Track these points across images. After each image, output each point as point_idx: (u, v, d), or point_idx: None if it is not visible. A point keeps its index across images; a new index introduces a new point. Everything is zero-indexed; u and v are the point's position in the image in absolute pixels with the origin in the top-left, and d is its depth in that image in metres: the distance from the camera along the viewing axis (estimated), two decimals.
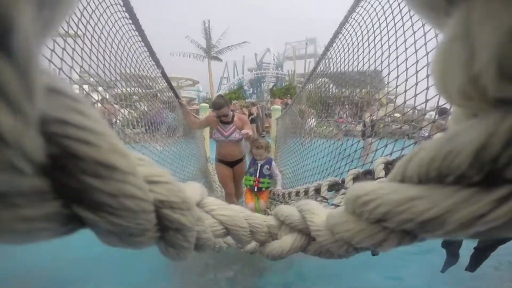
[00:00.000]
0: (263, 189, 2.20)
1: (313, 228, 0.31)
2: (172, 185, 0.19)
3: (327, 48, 2.12)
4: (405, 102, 1.19)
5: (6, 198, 0.11)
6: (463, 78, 0.11)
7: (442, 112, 1.24)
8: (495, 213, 0.12)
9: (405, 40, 1.12)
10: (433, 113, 1.04)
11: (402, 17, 1.13)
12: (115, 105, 1.54)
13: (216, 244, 0.53)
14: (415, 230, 0.16)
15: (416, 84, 1.00)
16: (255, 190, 2.20)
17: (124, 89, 1.66)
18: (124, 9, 1.53)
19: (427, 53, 0.93)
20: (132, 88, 1.82)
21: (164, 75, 2.26)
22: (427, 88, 0.90)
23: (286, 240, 0.36)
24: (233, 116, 2.43)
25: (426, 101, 0.94)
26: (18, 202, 0.11)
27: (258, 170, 2.18)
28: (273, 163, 2.21)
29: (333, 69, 2.00)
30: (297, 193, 1.52)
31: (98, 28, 1.29)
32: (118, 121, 1.52)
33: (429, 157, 0.14)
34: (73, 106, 0.12)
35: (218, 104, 2.31)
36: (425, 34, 0.96)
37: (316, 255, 0.35)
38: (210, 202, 0.32)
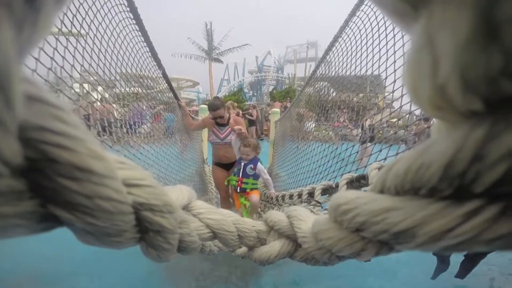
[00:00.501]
0: (247, 190, 2.07)
1: (300, 235, 0.32)
2: (153, 188, 0.19)
3: (326, 52, 2.13)
4: (401, 107, 1.19)
5: None
6: (430, 89, 0.11)
7: (426, 119, 1.25)
8: (463, 227, 0.12)
9: (403, 44, 1.12)
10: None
11: None
12: (113, 105, 1.54)
13: (206, 248, 0.53)
14: (389, 241, 0.16)
15: None
16: (238, 191, 2.10)
17: (123, 89, 1.66)
18: (128, 9, 1.54)
19: None
20: (132, 88, 1.82)
21: (165, 76, 2.26)
22: None
23: (274, 246, 0.37)
24: (229, 118, 2.43)
25: None
26: None
27: (241, 170, 2.07)
28: (259, 164, 2.07)
29: (332, 73, 2.00)
30: (291, 196, 1.52)
31: (103, 28, 1.29)
32: (116, 120, 1.51)
33: (404, 169, 0.14)
34: (53, 113, 0.12)
35: (214, 106, 2.32)
36: None
37: (302, 262, 0.35)
38: (197, 206, 0.32)
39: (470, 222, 0.12)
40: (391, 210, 0.15)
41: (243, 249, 0.53)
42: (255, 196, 2.06)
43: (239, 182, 2.06)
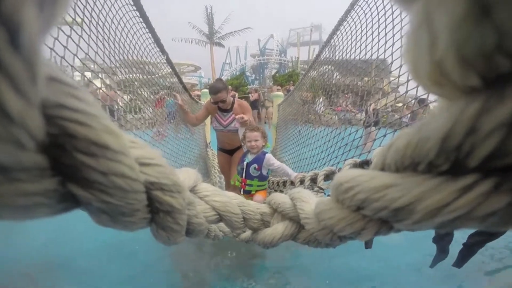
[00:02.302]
0: (252, 192, 1.79)
1: (302, 216, 0.32)
2: (163, 168, 0.20)
3: (331, 36, 2.09)
4: (407, 92, 1.18)
5: (10, 173, 0.12)
6: (429, 64, 0.12)
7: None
8: (458, 202, 0.13)
9: None
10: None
11: None
12: (117, 92, 1.54)
13: (211, 232, 0.54)
14: (389, 218, 0.16)
15: None
16: (242, 192, 1.79)
17: (127, 76, 1.65)
18: None
19: None
20: (135, 75, 1.81)
21: (169, 61, 2.23)
22: None
23: (278, 228, 0.37)
24: (233, 102, 2.19)
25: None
26: (20, 177, 0.12)
27: (244, 170, 1.76)
28: (267, 156, 1.72)
29: (337, 57, 1.97)
30: (292, 182, 1.53)
31: (110, 17, 1.29)
32: (120, 107, 1.52)
33: (404, 144, 0.15)
34: (70, 92, 0.13)
35: (215, 88, 2.07)
36: None
37: (305, 244, 0.35)
38: (203, 188, 0.33)
39: (465, 196, 0.12)
40: (391, 186, 0.15)
41: (247, 233, 0.54)
42: (258, 197, 1.76)
43: (243, 184, 1.80)
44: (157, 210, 0.21)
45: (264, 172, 1.75)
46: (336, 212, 0.22)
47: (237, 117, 1.94)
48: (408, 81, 1.11)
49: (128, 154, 0.15)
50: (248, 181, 1.77)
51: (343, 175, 0.19)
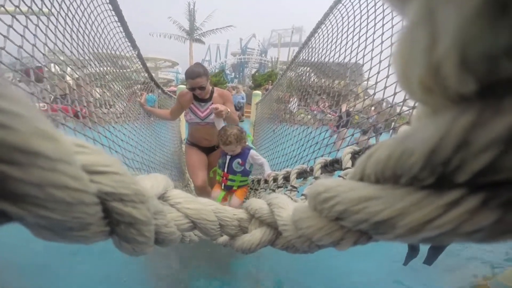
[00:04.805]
0: (234, 188, 1.71)
1: (280, 223, 0.31)
2: (122, 176, 0.17)
3: (309, 38, 2.12)
4: (374, 94, 1.22)
5: None
6: (424, 67, 0.10)
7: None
8: (443, 219, 0.12)
9: (383, 33, 1.13)
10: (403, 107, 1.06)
11: (383, 10, 1.14)
12: (88, 84, 1.45)
13: (186, 237, 0.52)
14: (369, 231, 0.15)
15: (387, 76, 1.02)
16: (223, 188, 1.74)
17: (98, 69, 1.56)
18: None
19: None
20: (106, 68, 1.71)
21: (140, 57, 2.14)
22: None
23: (256, 234, 0.36)
24: (212, 91, 1.88)
25: (395, 93, 0.96)
26: None
27: (227, 164, 1.67)
28: (251, 153, 1.67)
29: (314, 58, 2.00)
30: (266, 180, 1.52)
31: (82, 9, 1.22)
32: (94, 100, 1.43)
33: (385, 156, 0.13)
34: None
35: (194, 73, 1.71)
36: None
37: (283, 250, 0.35)
38: (175, 195, 0.31)
39: (451, 213, 0.12)
40: (371, 199, 0.14)
41: (225, 237, 0.53)
42: (235, 199, 1.71)
43: (224, 179, 1.71)
44: (117, 222, 0.19)
45: (248, 167, 1.69)
46: (314, 221, 0.21)
47: (211, 107, 1.71)
48: (376, 83, 1.14)
49: (71, 162, 0.13)
50: (230, 176, 1.69)
51: (321, 184, 0.18)
